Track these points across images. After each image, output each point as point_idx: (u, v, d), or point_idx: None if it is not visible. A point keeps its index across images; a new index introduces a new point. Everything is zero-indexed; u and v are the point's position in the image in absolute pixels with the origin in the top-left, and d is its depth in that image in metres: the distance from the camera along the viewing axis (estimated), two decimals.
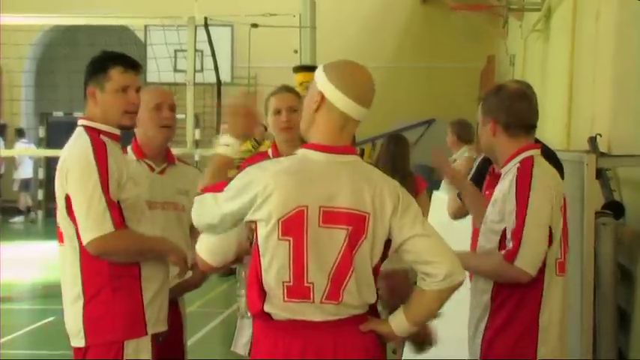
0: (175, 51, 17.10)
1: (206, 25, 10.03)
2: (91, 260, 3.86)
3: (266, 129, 12.27)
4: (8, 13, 14.02)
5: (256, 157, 4.95)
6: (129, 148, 4.64)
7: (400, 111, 20.36)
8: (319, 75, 3.32)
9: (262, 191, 3.20)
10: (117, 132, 4.03)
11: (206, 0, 14.75)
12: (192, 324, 9.62)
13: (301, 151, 3.31)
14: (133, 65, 4.06)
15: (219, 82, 10.14)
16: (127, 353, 3.87)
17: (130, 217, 3.92)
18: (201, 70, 14.11)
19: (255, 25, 12.79)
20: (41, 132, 23.30)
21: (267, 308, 3.23)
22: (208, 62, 10.89)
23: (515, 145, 3.88)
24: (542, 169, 3.83)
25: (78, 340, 3.92)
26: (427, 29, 21.96)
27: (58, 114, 21.64)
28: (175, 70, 17.62)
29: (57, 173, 3.93)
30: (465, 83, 21.30)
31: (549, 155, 4.23)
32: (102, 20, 15.88)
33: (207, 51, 10.77)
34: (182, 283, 4.50)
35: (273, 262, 3.21)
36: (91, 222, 3.79)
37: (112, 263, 3.87)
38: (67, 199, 3.86)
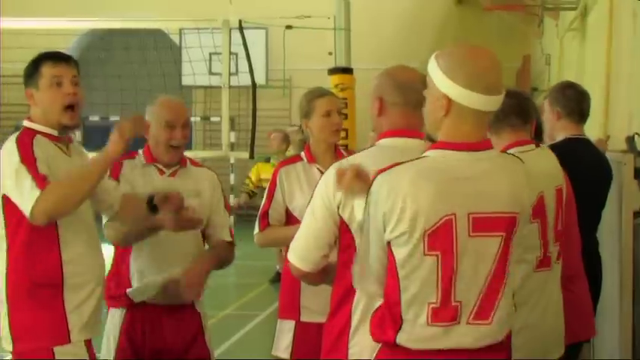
0: (210, 54, 17.14)
1: (240, 28, 10.05)
2: (13, 268, 3.84)
3: (285, 136, 12.31)
4: (44, 17, 14.13)
5: (288, 160, 4.94)
6: (140, 152, 4.59)
7: None
8: (435, 72, 2.93)
9: (400, 202, 2.80)
10: (54, 132, 3.93)
11: (241, 3, 14.83)
12: (229, 327, 9.65)
13: (434, 152, 2.90)
14: (64, 58, 3.98)
15: (254, 85, 10.15)
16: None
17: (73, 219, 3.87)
18: (236, 72, 14.15)
19: (289, 27, 12.82)
20: (78, 136, 23.46)
21: (401, 338, 2.85)
22: (243, 65, 10.91)
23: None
24: None
25: (7, 344, 3.90)
26: (462, 30, 21.86)
27: (94, 118, 21.77)
28: (210, 73, 17.68)
29: None
30: None
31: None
32: (137, 23, 15.94)
33: (242, 54, 10.79)
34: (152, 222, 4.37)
35: (417, 282, 2.81)
36: (25, 196, 3.71)
37: (35, 271, 3.80)
38: (4, 198, 3.84)
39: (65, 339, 3.84)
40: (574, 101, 5.02)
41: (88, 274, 3.95)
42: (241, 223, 21.31)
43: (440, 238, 2.77)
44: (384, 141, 3.49)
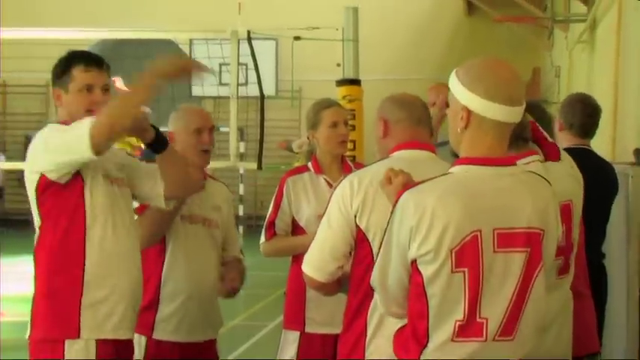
0: (220, 65, 17.19)
1: (249, 39, 10.07)
2: (39, 255, 3.80)
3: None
4: (55, 27, 14.20)
5: (294, 170, 4.95)
6: None
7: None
8: (456, 86, 2.90)
9: (427, 219, 2.77)
10: None
11: (250, 14, 14.88)
12: (237, 337, 9.65)
13: (458, 168, 2.88)
14: (96, 62, 3.90)
15: (262, 96, 10.17)
16: (68, 352, 3.74)
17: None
18: (246, 83, 14.18)
19: (297, 38, 12.84)
20: None
21: (425, 355, 2.80)
22: (253, 75, 10.94)
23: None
24: None
25: (28, 331, 3.85)
26: (472, 41, 21.87)
27: None
28: (220, 83, 17.73)
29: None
30: None
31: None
32: (146, 34, 16.00)
33: (252, 64, 10.83)
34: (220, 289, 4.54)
35: (445, 300, 2.76)
36: (77, 133, 3.65)
37: (56, 262, 3.75)
38: (36, 188, 3.79)
39: (74, 333, 3.75)
40: (577, 115, 5.09)
41: (111, 268, 3.82)
42: (250, 234, 21.38)
43: (467, 255, 2.74)
44: (397, 154, 3.55)
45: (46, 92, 22.56)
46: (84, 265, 3.77)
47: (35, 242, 3.86)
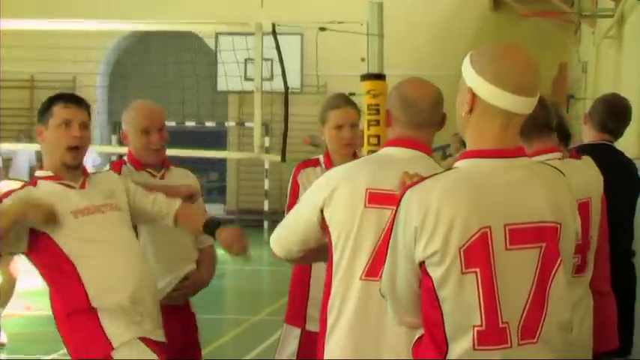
0: (245, 59, 17.21)
1: (274, 32, 10.06)
2: (52, 299, 4.06)
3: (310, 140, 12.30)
4: (82, 19, 14.24)
5: (307, 162, 4.94)
6: (126, 159, 4.68)
7: None
8: (466, 67, 2.76)
9: (431, 217, 2.62)
10: (49, 174, 4.10)
11: (275, 8, 14.85)
12: (261, 332, 9.66)
13: (464, 162, 2.73)
14: (76, 100, 4.14)
15: (286, 90, 10.16)
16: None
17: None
18: (271, 77, 14.18)
19: (322, 29, 12.79)
20: (114, 141, 23.58)
21: None
22: (278, 70, 10.93)
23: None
24: None
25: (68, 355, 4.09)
26: (498, 37, 21.75)
27: None
28: (245, 78, 17.74)
29: None
30: None
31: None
32: (172, 27, 16.00)
33: (277, 58, 10.82)
34: (191, 283, 4.62)
35: (458, 304, 2.60)
36: None
37: (61, 291, 4.01)
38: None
39: (109, 346, 3.94)
40: (604, 113, 5.17)
41: (114, 285, 4.02)
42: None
43: (476, 253, 2.58)
44: (383, 150, 3.55)
45: (73, 87, 22.65)
46: (84, 289, 3.97)
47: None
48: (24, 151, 18.96)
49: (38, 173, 4.14)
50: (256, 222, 22.13)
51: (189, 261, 4.70)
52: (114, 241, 4.05)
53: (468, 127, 2.75)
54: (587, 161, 4.17)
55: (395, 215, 2.75)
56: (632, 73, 10.64)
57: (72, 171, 4.12)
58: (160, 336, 4.11)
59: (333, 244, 3.44)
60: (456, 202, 2.60)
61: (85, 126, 4.11)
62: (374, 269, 3.35)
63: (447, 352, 2.64)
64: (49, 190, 4.04)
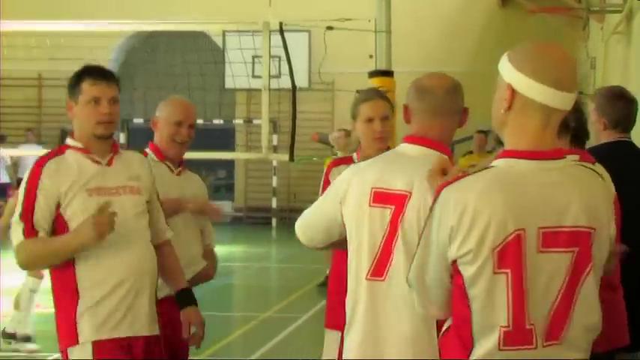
0: (253, 57, 17.22)
1: (281, 30, 10.06)
2: (53, 275, 4.13)
3: (347, 134, 12.32)
4: (88, 19, 14.26)
5: (340, 160, 4.92)
6: (148, 150, 4.81)
7: (478, 116, 20.25)
8: (504, 65, 2.74)
9: (468, 217, 2.63)
10: (79, 145, 4.12)
11: (282, 6, 14.86)
12: (271, 328, 9.67)
13: (502, 161, 2.72)
14: (104, 76, 4.12)
15: (294, 88, 10.16)
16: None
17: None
18: (279, 75, 14.17)
19: (330, 28, 12.81)
20: (122, 138, 23.62)
21: None
22: (286, 67, 10.94)
23: None
24: None
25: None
26: (505, 33, 21.71)
27: (139, 120, 21.90)
28: (253, 75, 17.75)
29: None
30: None
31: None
32: (179, 26, 16.01)
33: (285, 56, 10.83)
34: (196, 275, 4.76)
35: (487, 303, 2.62)
36: (15, 231, 4.05)
37: (56, 274, 4.09)
38: None
39: (74, 340, 4.02)
40: (622, 114, 5.05)
41: (104, 276, 4.04)
42: (283, 227, 21.42)
43: (509, 255, 2.59)
44: (399, 147, 3.52)
45: None
46: (75, 276, 4.02)
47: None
48: (31, 149, 18.98)
49: (69, 142, 4.14)
50: (264, 219, 22.14)
51: (200, 257, 4.89)
52: (116, 228, 4.00)
53: (506, 125, 2.74)
54: (600, 168, 4.13)
55: (430, 211, 2.76)
56: None
57: (102, 143, 4.12)
58: (152, 330, 4.13)
59: (348, 241, 3.45)
60: (493, 203, 2.61)
61: (115, 101, 4.12)
62: (378, 269, 3.35)
63: (471, 350, 2.65)
64: (72, 161, 4.07)
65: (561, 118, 2.73)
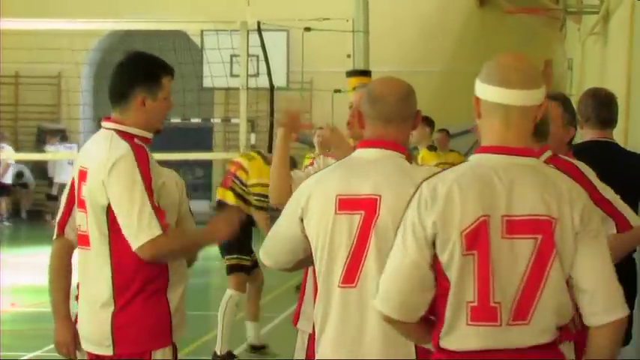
0: (231, 56, 17.20)
1: (259, 30, 10.06)
2: (124, 268, 3.89)
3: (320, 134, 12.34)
4: (65, 18, 14.20)
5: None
6: None
7: (456, 115, 20.31)
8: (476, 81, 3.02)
9: (439, 204, 2.88)
10: (150, 136, 4.06)
11: (261, 5, 14.84)
12: (245, 329, 9.65)
13: (474, 157, 2.99)
14: (173, 73, 4.14)
15: (272, 87, 10.17)
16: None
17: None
18: (257, 74, 14.16)
19: (308, 29, 12.82)
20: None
21: (443, 340, 2.90)
22: (264, 67, 10.95)
23: None
24: None
25: (104, 349, 3.94)
26: (483, 33, 21.80)
27: None
28: (232, 75, 17.73)
29: (89, 177, 3.95)
30: None
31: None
32: (157, 25, 15.97)
33: (263, 56, 10.83)
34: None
35: (459, 282, 2.85)
36: (141, 227, 3.81)
37: (144, 272, 3.89)
38: (107, 205, 3.89)
39: (168, 341, 3.96)
40: (592, 109, 5.20)
41: (183, 269, 4.06)
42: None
43: (476, 238, 2.84)
44: (355, 152, 3.57)
45: (58, 84, 22.53)
46: (168, 272, 3.99)
47: (103, 255, 3.94)
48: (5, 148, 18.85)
49: (135, 131, 4.00)
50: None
51: None
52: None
53: (480, 130, 3.01)
54: (581, 165, 4.20)
55: (407, 207, 2.95)
56: (618, 69, 10.67)
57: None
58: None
59: (314, 253, 3.45)
60: (463, 192, 2.87)
61: None
62: (349, 276, 3.37)
63: (443, 327, 2.89)
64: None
65: (527, 116, 2.95)
